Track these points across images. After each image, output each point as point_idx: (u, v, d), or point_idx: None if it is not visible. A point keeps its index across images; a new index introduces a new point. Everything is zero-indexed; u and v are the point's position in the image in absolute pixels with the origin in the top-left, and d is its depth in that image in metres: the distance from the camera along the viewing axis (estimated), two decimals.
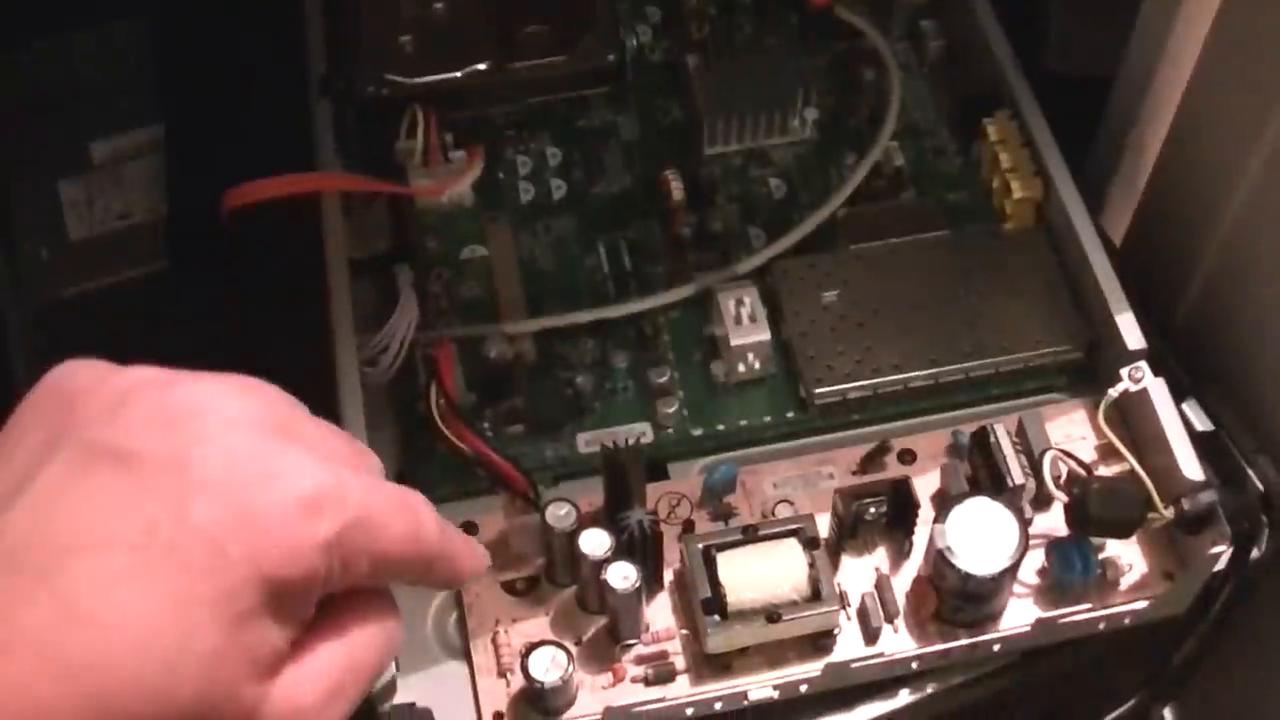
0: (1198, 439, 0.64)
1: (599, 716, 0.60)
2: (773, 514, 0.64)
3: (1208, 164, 0.68)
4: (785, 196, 0.75)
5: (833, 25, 0.80)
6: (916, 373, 0.67)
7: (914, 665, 0.62)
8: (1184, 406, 0.64)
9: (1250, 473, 0.64)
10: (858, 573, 0.63)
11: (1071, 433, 0.66)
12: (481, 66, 0.74)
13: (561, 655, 0.59)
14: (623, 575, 0.59)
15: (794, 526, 0.61)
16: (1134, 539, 0.63)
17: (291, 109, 0.76)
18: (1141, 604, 0.62)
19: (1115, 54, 0.75)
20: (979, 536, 0.59)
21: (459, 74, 0.74)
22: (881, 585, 0.62)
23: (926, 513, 0.63)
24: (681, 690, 0.60)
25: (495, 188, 0.75)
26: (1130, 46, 0.73)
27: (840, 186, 0.73)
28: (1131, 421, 0.65)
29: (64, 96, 0.88)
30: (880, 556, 0.63)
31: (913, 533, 0.63)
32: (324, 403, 0.64)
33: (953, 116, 0.77)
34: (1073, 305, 0.69)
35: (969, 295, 0.69)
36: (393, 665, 0.59)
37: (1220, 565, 0.62)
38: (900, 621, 0.62)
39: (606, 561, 0.59)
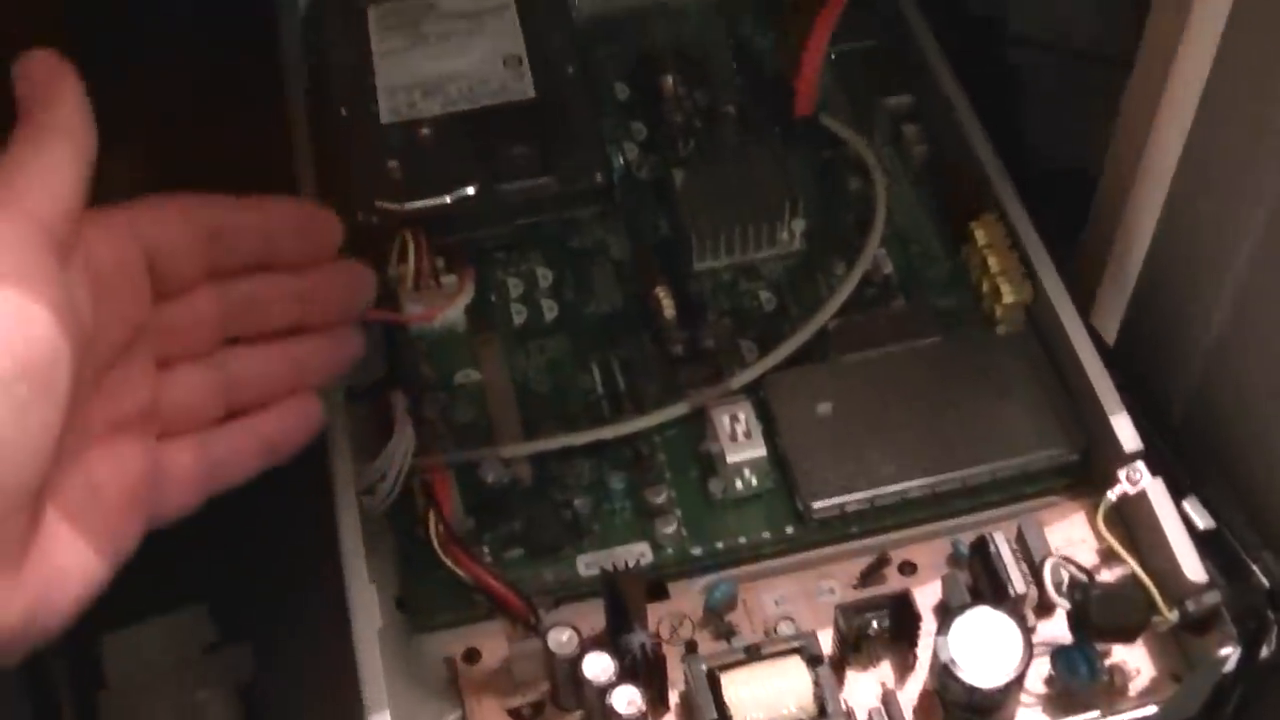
0: (1199, 537, 0.64)
1: None
2: (775, 631, 0.64)
3: (1198, 258, 0.68)
4: (776, 309, 0.75)
5: (817, 134, 0.80)
6: (913, 482, 0.67)
7: None
8: (1184, 504, 0.64)
9: (1255, 569, 0.64)
10: (863, 688, 0.62)
11: (1071, 536, 0.66)
12: (470, 190, 0.74)
13: None
14: (628, 700, 0.58)
15: (797, 644, 0.61)
16: (1139, 643, 0.63)
17: None
18: (1151, 709, 0.62)
19: (1097, 148, 0.76)
20: (983, 647, 0.59)
21: (448, 198, 0.74)
22: (888, 700, 0.62)
23: (929, 624, 0.62)
24: None
25: (487, 310, 0.76)
26: (1114, 140, 0.74)
27: (830, 297, 0.73)
28: (1131, 523, 0.65)
29: None
30: (885, 671, 0.63)
31: (916, 645, 0.62)
32: (323, 530, 0.64)
33: (940, 221, 0.78)
34: (1067, 407, 0.69)
35: (963, 401, 0.69)
36: None
37: (1229, 666, 0.62)
38: None
39: (611, 686, 0.59)
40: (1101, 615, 0.60)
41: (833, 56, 0.81)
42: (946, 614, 0.60)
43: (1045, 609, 0.63)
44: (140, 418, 0.56)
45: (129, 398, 0.55)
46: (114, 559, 0.54)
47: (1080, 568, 0.63)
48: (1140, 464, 0.64)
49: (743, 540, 0.67)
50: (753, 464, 0.67)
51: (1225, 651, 0.61)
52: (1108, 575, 0.64)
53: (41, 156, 0.50)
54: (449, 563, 0.65)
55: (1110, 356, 0.70)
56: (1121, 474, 0.64)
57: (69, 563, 0.52)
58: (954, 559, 0.66)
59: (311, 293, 0.63)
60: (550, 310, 0.75)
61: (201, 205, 0.59)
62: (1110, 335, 0.75)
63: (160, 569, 0.78)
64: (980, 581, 0.63)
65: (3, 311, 0.46)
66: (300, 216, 0.64)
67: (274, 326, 0.63)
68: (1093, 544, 0.66)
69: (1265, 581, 0.63)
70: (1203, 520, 0.64)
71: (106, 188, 0.54)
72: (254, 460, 0.61)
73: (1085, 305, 0.74)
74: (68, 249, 0.50)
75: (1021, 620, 0.60)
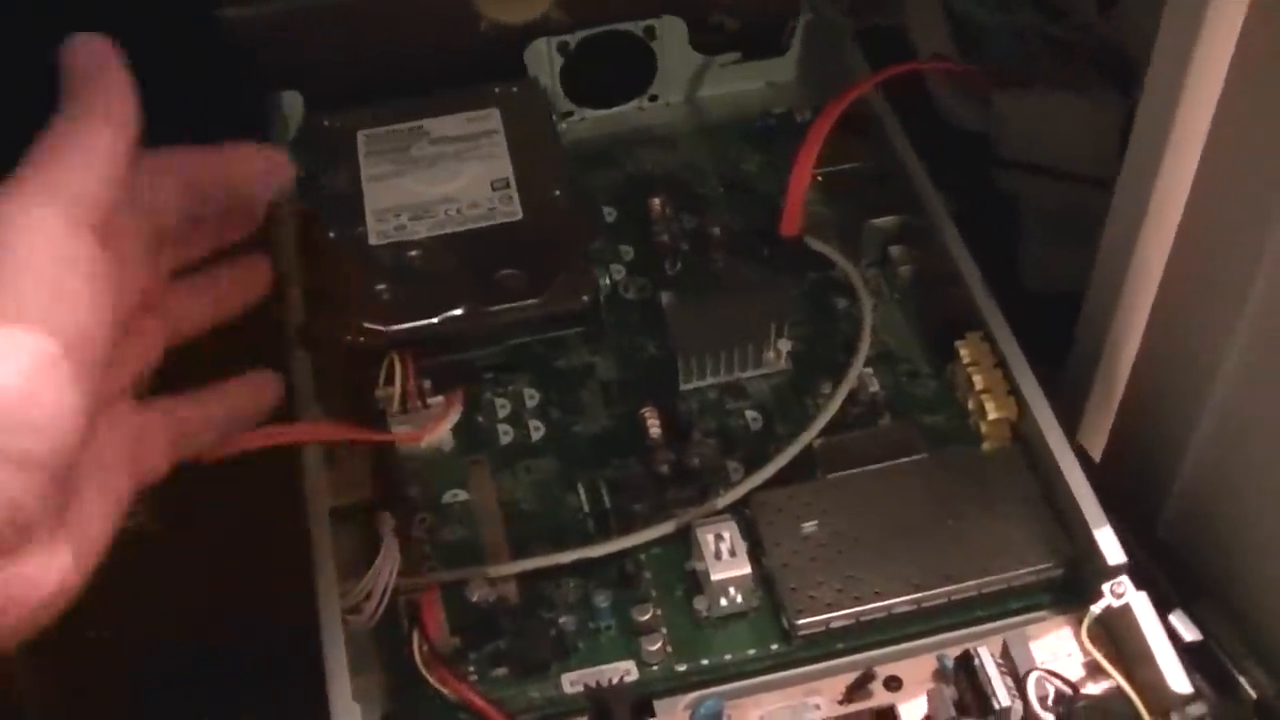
0: (1187, 649, 0.64)
1: None
2: None
3: (1181, 377, 0.69)
4: (762, 428, 0.75)
5: (803, 255, 0.81)
6: (899, 599, 0.67)
7: None
8: (1171, 617, 0.65)
9: (1242, 681, 0.64)
10: None
11: (1057, 650, 0.66)
12: (458, 311, 0.75)
13: None
14: None
15: None
16: None
17: (269, 359, 0.76)
18: None
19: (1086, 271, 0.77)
20: None
21: (435, 320, 0.75)
22: None
23: None
24: None
25: (474, 430, 0.76)
26: (1098, 261, 0.74)
27: (816, 416, 0.74)
28: (1116, 636, 0.66)
29: None
30: None
31: None
32: (307, 649, 0.64)
33: (925, 340, 0.78)
34: (1053, 522, 0.69)
35: (949, 517, 0.69)
36: None
37: None
38: None
39: None
40: None
41: (819, 178, 0.82)
42: None
43: None
44: (135, 380, 0.57)
45: (135, 365, 0.57)
46: (115, 523, 0.54)
47: (1065, 681, 0.63)
48: (1125, 578, 0.64)
49: (728, 657, 0.67)
50: (737, 582, 0.67)
51: None
52: (1094, 688, 0.64)
53: (83, 139, 0.51)
54: (434, 682, 0.65)
55: (1097, 473, 0.70)
56: (1106, 588, 0.64)
57: (88, 520, 0.52)
58: (940, 674, 0.65)
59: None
60: (537, 430, 0.76)
61: (185, 162, 0.59)
62: (1097, 452, 0.76)
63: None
64: (966, 696, 0.63)
65: (47, 296, 0.47)
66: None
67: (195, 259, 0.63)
68: (1079, 657, 0.66)
69: (1252, 693, 0.64)
70: (1190, 633, 0.65)
71: None
72: (219, 428, 0.62)
73: (1073, 424, 0.75)
74: (107, 229, 0.51)
75: None
